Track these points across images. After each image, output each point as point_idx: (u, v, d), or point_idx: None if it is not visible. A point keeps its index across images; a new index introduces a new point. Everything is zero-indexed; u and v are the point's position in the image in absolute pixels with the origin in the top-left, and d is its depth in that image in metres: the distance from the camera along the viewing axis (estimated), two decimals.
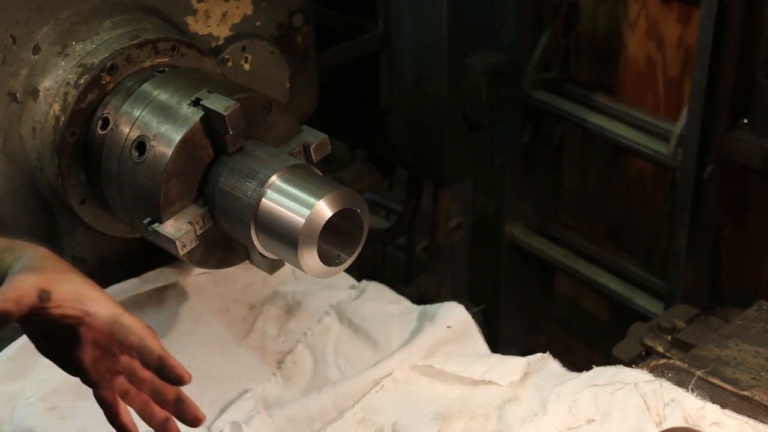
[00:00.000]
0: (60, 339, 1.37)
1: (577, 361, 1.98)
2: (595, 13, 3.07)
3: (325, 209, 1.56)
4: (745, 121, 2.54)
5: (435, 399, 1.85)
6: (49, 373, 1.81)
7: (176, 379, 1.33)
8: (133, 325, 1.34)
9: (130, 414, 1.44)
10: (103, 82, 1.77)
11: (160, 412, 1.40)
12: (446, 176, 2.69)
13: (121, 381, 1.40)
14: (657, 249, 3.13)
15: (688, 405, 1.70)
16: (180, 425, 1.43)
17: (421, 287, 2.89)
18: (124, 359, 1.37)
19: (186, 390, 1.40)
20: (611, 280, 3.19)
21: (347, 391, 1.85)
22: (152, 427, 1.42)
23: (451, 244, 3.04)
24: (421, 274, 2.98)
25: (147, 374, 1.37)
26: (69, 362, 1.40)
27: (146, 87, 1.75)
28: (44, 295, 1.29)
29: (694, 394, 1.73)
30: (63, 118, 1.75)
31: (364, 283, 2.13)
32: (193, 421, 1.38)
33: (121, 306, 1.37)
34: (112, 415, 1.43)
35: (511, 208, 3.35)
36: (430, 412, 1.82)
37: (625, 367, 1.82)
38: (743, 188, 2.75)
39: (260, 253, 1.67)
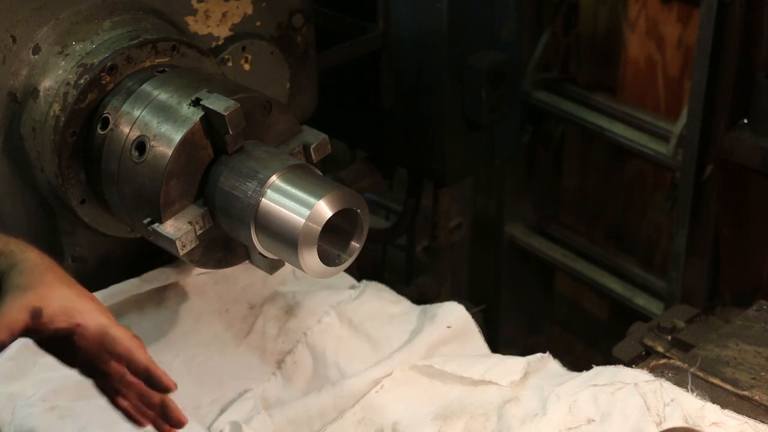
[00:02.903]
0: (56, 346, 1.43)
1: (577, 361, 1.98)
2: (595, 13, 3.07)
3: (325, 209, 1.56)
4: (745, 121, 2.54)
5: (435, 399, 1.85)
6: (49, 373, 1.81)
7: (162, 388, 1.41)
8: (120, 335, 1.41)
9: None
10: (103, 82, 1.76)
11: (149, 412, 1.48)
12: (446, 176, 2.69)
13: (115, 379, 1.47)
14: (657, 249, 3.13)
15: (688, 405, 1.70)
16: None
17: (421, 287, 2.89)
18: (114, 365, 1.44)
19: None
20: (611, 280, 3.20)
21: (347, 391, 1.85)
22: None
23: (451, 244, 3.04)
24: (421, 274, 2.98)
25: (134, 379, 1.44)
26: (68, 362, 1.47)
27: (146, 87, 1.74)
28: (36, 313, 1.35)
29: (694, 394, 1.73)
30: (63, 118, 1.75)
31: (364, 283, 2.12)
32: (177, 423, 1.46)
33: (110, 314, 1.43)
34: (115, 401, 1.49)
35: (511, 208, 3.35)
36: (430, 412, 1.81)
37: (625, 367, 1.82)
38: (743, 188, 2.75)
39: (260, 253, 1.67)
